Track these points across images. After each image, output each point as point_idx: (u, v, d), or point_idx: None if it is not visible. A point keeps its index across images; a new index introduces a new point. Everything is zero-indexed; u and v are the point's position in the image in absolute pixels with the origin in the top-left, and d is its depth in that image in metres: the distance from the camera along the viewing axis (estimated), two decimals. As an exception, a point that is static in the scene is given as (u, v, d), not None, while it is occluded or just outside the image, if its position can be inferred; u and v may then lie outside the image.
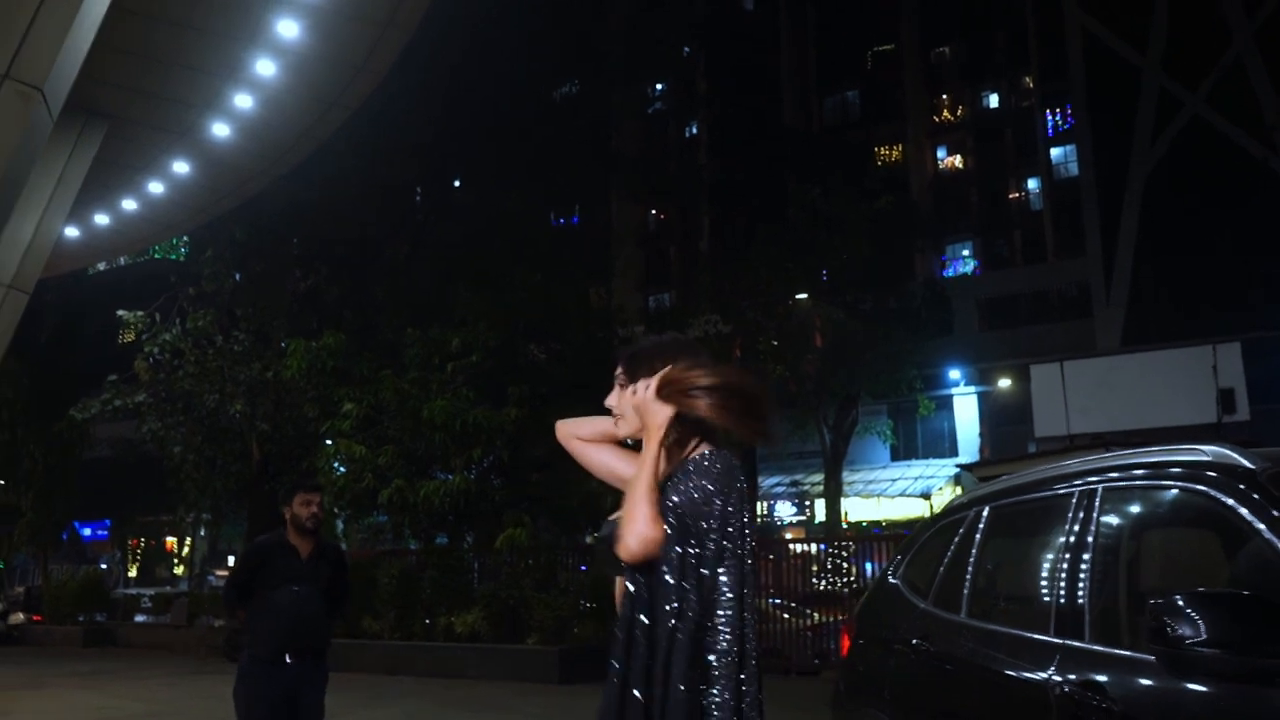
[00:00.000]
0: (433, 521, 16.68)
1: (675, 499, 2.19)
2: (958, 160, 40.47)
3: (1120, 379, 13.41)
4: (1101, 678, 2.68)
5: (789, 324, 25.28)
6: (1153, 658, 2.49)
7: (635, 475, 2.19)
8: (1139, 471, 3.04)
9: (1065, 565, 3.05)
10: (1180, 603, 2.27)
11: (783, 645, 14.50)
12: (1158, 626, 2.30)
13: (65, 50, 8.95)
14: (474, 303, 18.18)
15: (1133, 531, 3.09)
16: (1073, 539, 3.08)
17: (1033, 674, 2.97)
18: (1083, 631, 2.86)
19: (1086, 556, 2.99)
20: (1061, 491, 3.29)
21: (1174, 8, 28.64)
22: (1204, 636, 2.23)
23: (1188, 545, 3.14)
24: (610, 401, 2.39)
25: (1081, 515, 3.11)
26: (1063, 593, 3.01)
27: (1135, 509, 3.11)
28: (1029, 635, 3.13)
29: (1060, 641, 2.92)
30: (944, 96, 40.78)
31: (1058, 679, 2.82)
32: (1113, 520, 3.06)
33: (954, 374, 32.27)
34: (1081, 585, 2.95)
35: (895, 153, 40.92)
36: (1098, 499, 3.08)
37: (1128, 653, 2.70)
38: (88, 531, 41.07)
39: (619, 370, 2.39)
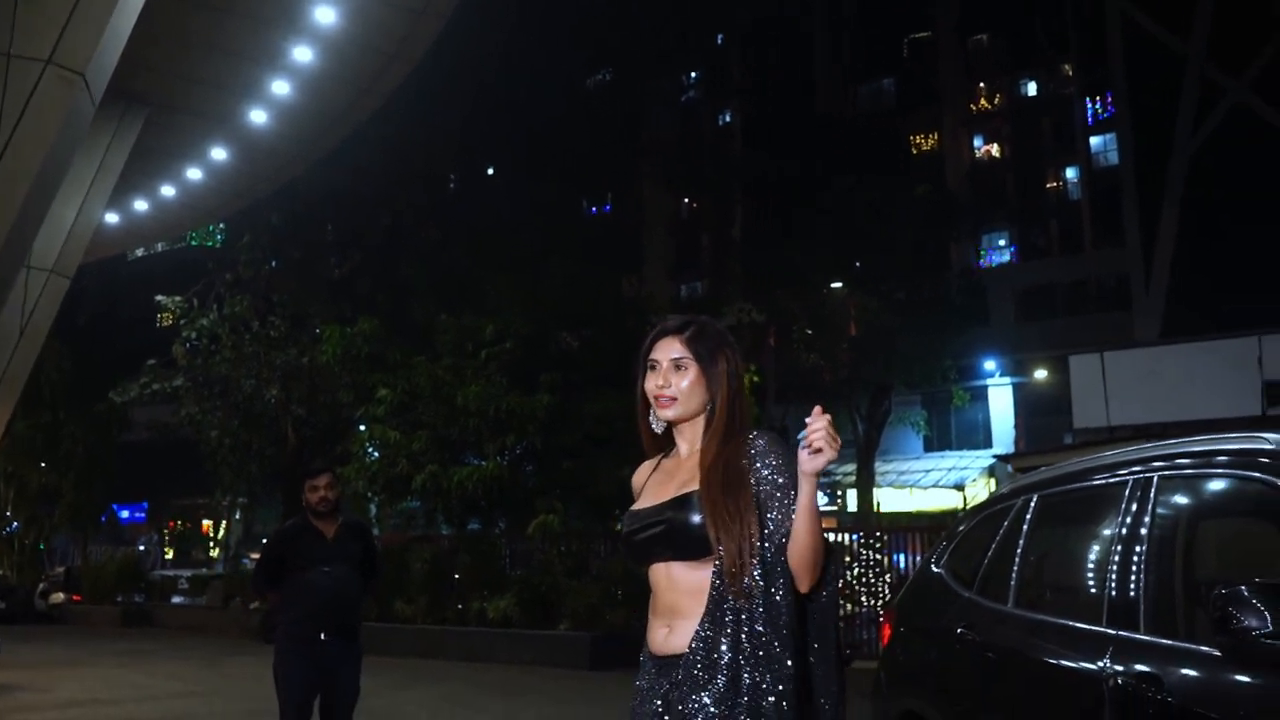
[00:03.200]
0: (465, 507, 16.76)
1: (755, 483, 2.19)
2: (994, 149, 40.01)
3: (1162, 370, 13.20)
4: (1158, 669, 2.62)
5: (823, 312, 25.13)
6: (1213, 650, 2.43)
7: (804, 512, 2.12)
8: (1195, 460, 2.97)
9: (1118, 555, 2.99)
10: (1246, 593, 2.20)
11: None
12: (1222, 617, 2.24)
13: (107, 35, 9.02)
14: (507, 290, 18.21)
15: (1188, 521, 3.02)
16: (1126, 529, 3.02)
17: (1085, 665, 2.91)
18: (1137, 622, 2.80)
19: (1140, 546, 2.93)
20: (1114, 480, 3.22)
21: (1219, -8, 28.11)
22: (1271, 628, 2.17)
23: (1245, 535, 3.06)
24: (662, 382, 2.30)
25: (1135, 505, 3.04)
26: (1115, 583, 2.95)
27: (1191, 498, 3.04)
28: (1080, 626, 3.08)
29: (1113, 632, 2.86)
30: (981, 84, 40.28)
31: (1111, 670, 2.76)
32: (1168, 509, 2.99)
33: (989, 364, 31.96)
34: (1135, 575, 2.89)
35: (931, 141, 40.50)
36: (1153, 488, 3.01)
37: (1186, 644, 2.64)
38: (126, 514, 41.70)
39: (683, 351, 2.30)
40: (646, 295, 25.76)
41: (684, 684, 2.10)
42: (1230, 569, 3.00)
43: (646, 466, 2.46)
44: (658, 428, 2.38)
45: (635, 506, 2.36)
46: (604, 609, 14.28)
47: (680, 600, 2.20)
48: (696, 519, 2.17)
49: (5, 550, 27.18)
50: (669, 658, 2.18)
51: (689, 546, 2.19)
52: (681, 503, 2.22)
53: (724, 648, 2.07)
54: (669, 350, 2.32)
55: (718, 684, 2.06)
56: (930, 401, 30.49)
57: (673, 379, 2.29)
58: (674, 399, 2.29)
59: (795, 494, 2.15)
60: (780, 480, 2.18)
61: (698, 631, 2.12)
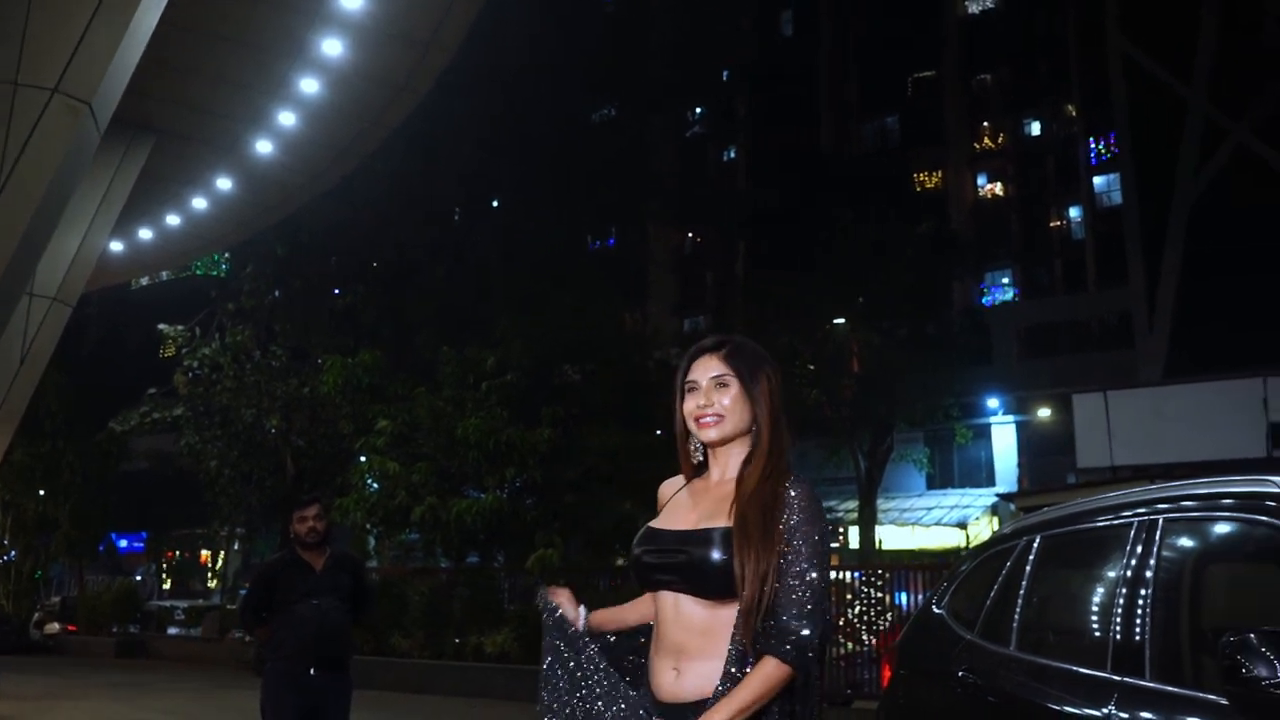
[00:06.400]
0: (464, 540, 16.63)
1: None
2: (998, 187, 40.15)
3: (1166, 411, 13.12)
4: (1164, 718, 2.54)
5: (825, 348, 25.07)
6: (1220, 698, 2.36)
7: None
8: (1201, 502, 2.91)
9: (1123, 599, 2.92)
10: (1255, 641, 2.14)
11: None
12: (1231, 665, 2.18)
13: (114, 65, 9.06)
14: (510, 323, 18.20)
15: (1195, 565, 2.96)
16: (1131, 572, 2.96)
17: (1088, 711, 2.84)
18: (1143, 669, 2.73)
19: (1146, 590, 2.87)
20: (1119, 522, 3.16)
21: (1220, 36, 28.30)
22: (1281, 678, 2.10)
23: (1252, 580, 3.00)
24: (704, 402, 2.18)
25: (1140, 548, 2.98)
26: (1120, 628, 2.88)
27: (1197, 541, 2.98)
28: (1084, 671, 3.00)
29: (1118, 679, 2.79)
30: (985, 123, 40.50)
31: (1116, 717, 2.69)
32: (1174, 553, 2.93)
33: (992, 402, 31.86)
34: (1140, 620, 2.82)
35: (935, 179, 40.66)
36: (1158, 530, 2.96)
37: (1193, 692, 2.57)
38: (124, 543, 41.43)
39: (723, 368, 2.19)
40: (652, 330, 25.74)
41: None
42: (1238, 615, 2.93)
43: (676, 481, 2.34)
44: (698, 455, 2.26)
45: (655, 524, 2.22)
46: (602, 645, 14.13)
47: (687, 639, 2.07)
48: (719, 556, 2.05)
49: (1, 579, 26.98)
50: (680, 705, 2.04)
51: (707, 584, 2.06)
52: (705, 537, 2.09)
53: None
54: (708, 369, 2.19)
55: None
56: (933, 439, 30.36)
57: (715, 397, 2.16)
58: (720, 417, 2.16)
59: (823, 547, 2.07)
60: (806, 534, 2.06)
61: (725, 676, 2.01)
